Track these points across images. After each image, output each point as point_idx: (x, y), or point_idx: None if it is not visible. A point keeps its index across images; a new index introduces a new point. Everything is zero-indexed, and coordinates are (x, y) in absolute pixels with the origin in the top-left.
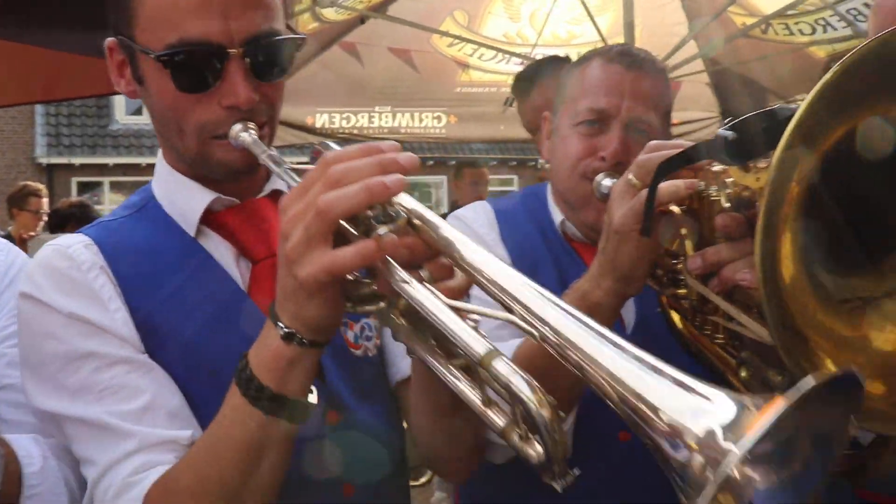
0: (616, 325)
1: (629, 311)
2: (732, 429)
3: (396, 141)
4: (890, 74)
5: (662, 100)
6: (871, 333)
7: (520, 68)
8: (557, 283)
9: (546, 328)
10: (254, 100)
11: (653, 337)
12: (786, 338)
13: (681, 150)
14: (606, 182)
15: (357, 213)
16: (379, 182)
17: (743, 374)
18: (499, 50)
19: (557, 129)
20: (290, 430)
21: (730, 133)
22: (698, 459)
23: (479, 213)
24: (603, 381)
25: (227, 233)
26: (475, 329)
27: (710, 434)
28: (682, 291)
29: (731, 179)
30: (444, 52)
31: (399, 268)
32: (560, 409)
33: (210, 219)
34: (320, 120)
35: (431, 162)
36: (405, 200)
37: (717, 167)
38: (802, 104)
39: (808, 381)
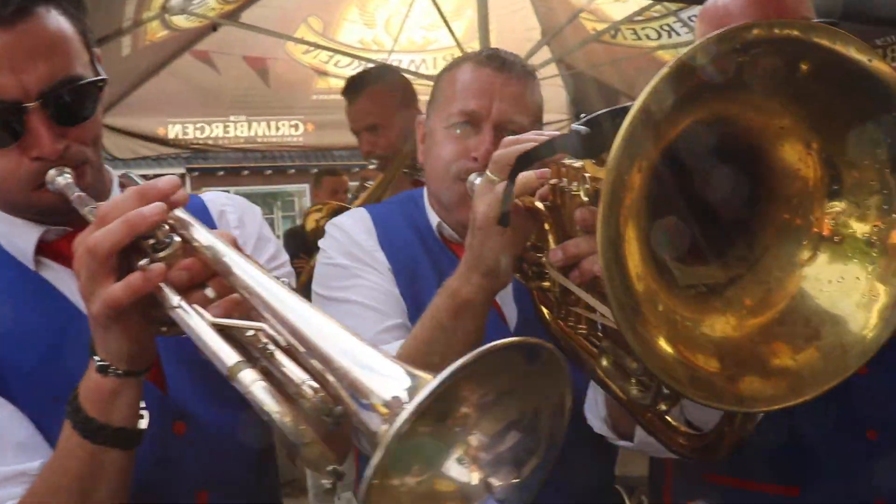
0: (499, 323)
1: (511, 310)
2: (410, 393)
3: (254, 150)
4: (711, 77)
5: (532, 101)
6: (713, 317)
7: None
8: (437, 284)
9: (293, 337)
10: (58, 149)
11: (533, 334)
12: (631, 322)
13: (535, 144)
14: (479, 182)
15: (124, 246)
16: (136, 213)
17: (604, 362)
18: (355, 56)
19: (431, 132)
20: (125, 456)
21: (582, 128)
22: (384, 424)
23: (357, 220)
24: (335, 380)
25: (66, 260)
26: (233, 345)
27: (395, 398)
28: (546, 284)
29: (589, 175)
30: (300, 60)
31: (170, 294)
32: None
33: (48, 249)
34: (173, 130)
35: (293, 171)
36: (186, 223)
37: (576, 164)
38: (637, 101)
39: (478, 351)
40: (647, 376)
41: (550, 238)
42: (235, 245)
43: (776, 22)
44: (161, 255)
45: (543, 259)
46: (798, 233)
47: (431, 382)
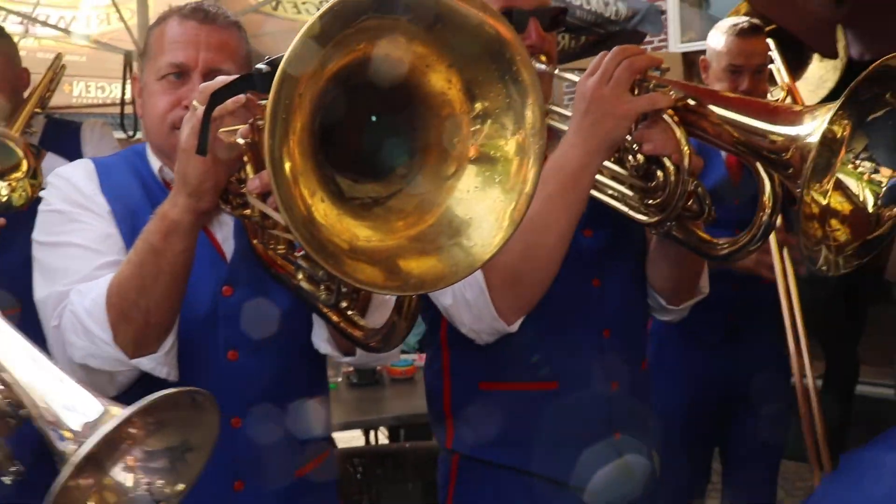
0: (217, 257)
1: (229, 244)
2: (95, 425)
3: None
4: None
5: (238, 50)
6: (373, 224)
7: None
8: None
9: None
10: None
11: (249, 265)
12: (307, 236)
13: (229, 81)
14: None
15: None
16: None
17: (300, 276)
18: None
19: (145, 86)
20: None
21: (264, 67)
22: (72, 446)
23: (79, 168)
24: (24, 396)
25: None
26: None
27: (84, 426)
28: (248, 212)
29: None
30: None
31: None
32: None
33: None
34: None
35: None
36: None
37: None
38: (295, 39)
39: (155, 396)
40: (331, 280)
41: (250, 170)
42: None
43: None
44: None
45: (244, 189)
46: (447, 152)
47: (110, 422)
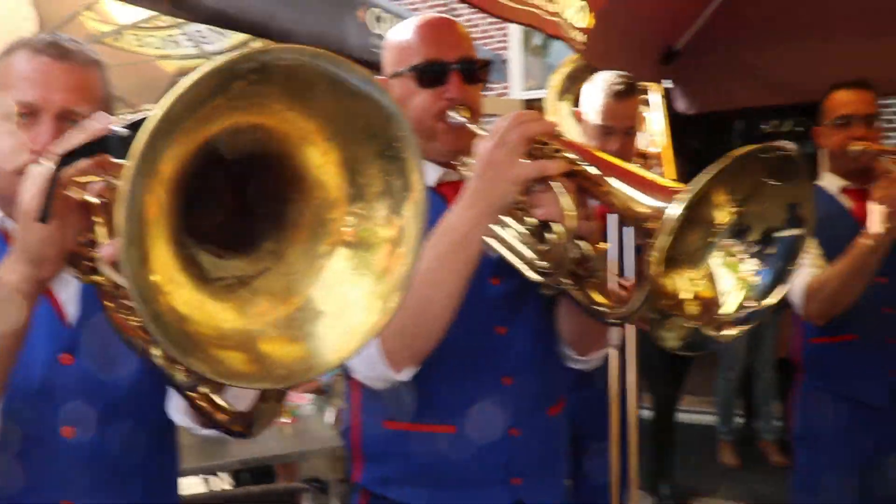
0: (57, 321)
1: (72, 307)
2: None
3: None
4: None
5: (97, 91)
6: (241, 306)
7: None
8: None
9: None
10: None
11: (95, 331)
12: (159, 321)
13: (81, 143)
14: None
15: None
16: None
17: (156, 351)
18: None
19: None
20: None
21: (123, 130)
22: None
23: None
24: None
25: None
26: None
27: None
28: (100, 279)
29: None
30: None
31: None
32: None
33: None
34: None
35: None
36: None
37: (117, 161)
38: (158, 107)
39: None
40: None
41: (103, 233)
42: None
43: (288, 48)
44: None
45: (95, 255)
46: (319, 230)
47: None
